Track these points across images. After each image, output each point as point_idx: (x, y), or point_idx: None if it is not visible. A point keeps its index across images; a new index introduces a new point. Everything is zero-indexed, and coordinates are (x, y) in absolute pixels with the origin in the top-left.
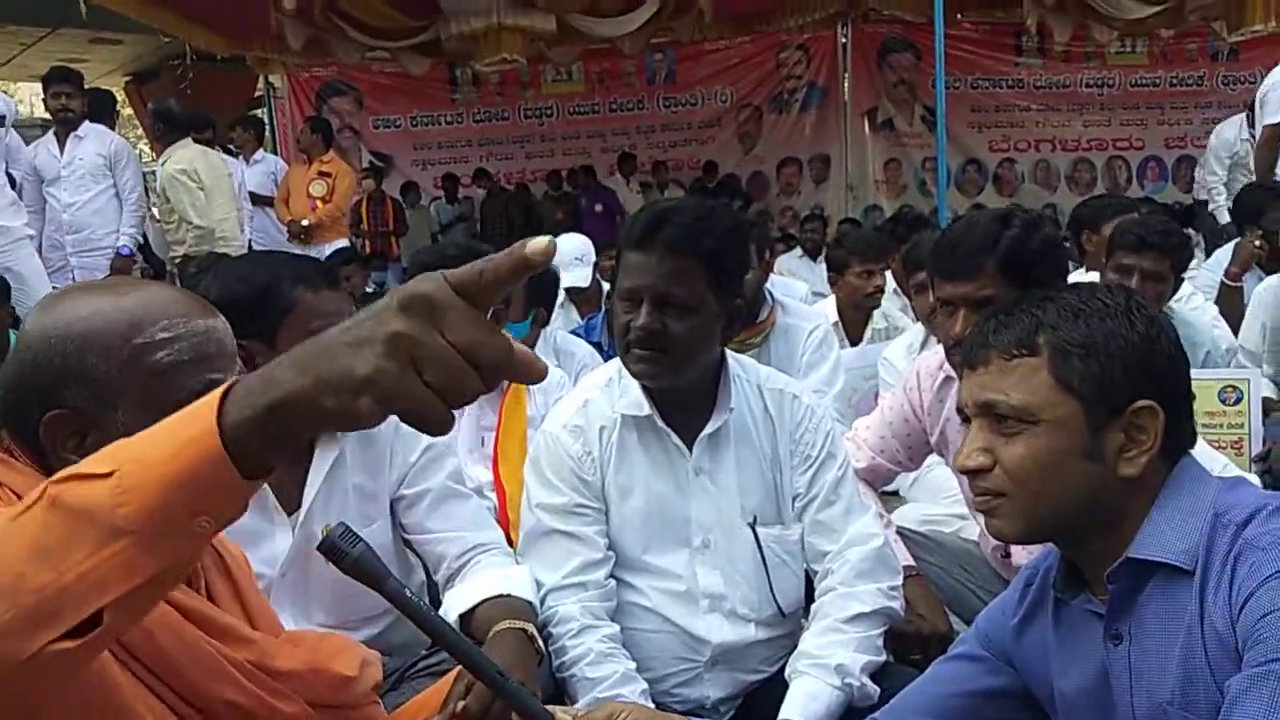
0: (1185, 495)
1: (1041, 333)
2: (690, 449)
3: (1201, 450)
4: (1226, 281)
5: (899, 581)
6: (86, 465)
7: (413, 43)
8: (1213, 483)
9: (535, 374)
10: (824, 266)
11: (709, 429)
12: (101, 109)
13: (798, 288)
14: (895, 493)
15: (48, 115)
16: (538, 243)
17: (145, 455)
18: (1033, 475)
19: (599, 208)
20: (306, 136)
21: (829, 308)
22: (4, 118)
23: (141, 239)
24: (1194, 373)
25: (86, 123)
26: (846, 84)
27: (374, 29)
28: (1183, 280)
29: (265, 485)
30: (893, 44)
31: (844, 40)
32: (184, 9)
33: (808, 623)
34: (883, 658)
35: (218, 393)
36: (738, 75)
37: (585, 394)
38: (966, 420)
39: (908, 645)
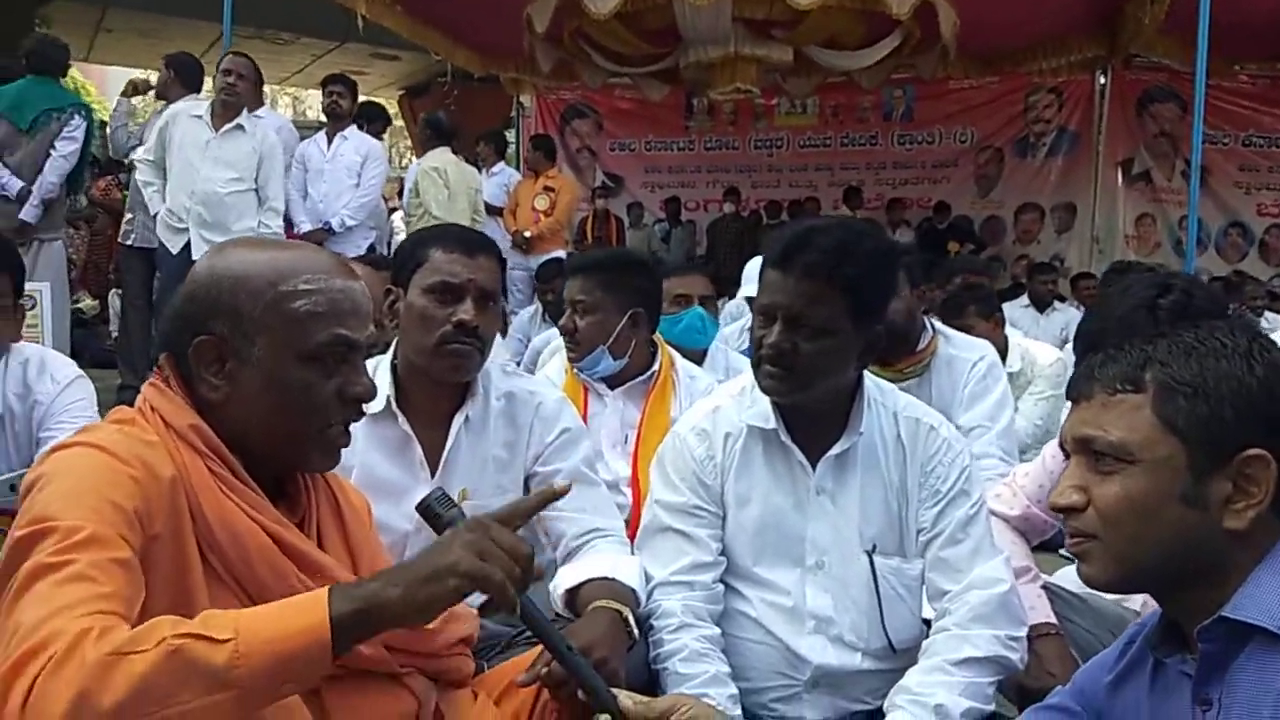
0: None
1: (1149, 369)
2: (814, 467)
3: None
4: None
5: (1021, 633)
6: (209, 628)
7: (653, 69)
8: None
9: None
10: (1054, 319)
11: (836, 450)
12: (373, 120)
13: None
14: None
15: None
16: (556, 485)
17: (262, 631)
18: (1125, 517)
19: None
20: (532, 153)
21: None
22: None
23: (355, 225)
24: None
25: (353, 126)
26: (1102, 131)
27: (617, 55)
28: None
29: (415, 442)
30: (1156, 93)
31: (1102, 85)
32: (449, 29)
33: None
34: (990, 708)
35: (323, 592)
36: (981, 115)
37: (717, 400)
38: (1069, 456)
39: (1032, 702)
